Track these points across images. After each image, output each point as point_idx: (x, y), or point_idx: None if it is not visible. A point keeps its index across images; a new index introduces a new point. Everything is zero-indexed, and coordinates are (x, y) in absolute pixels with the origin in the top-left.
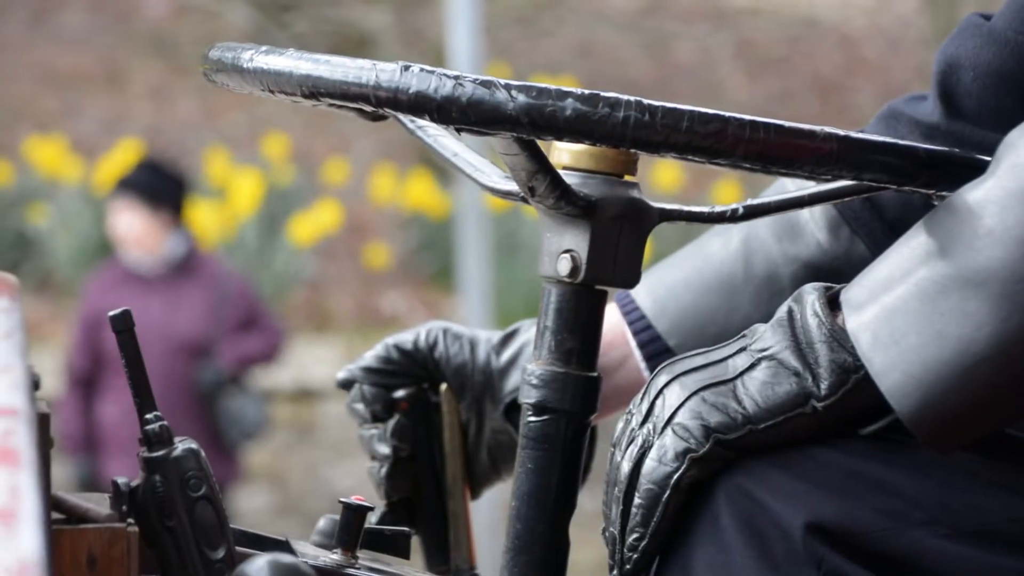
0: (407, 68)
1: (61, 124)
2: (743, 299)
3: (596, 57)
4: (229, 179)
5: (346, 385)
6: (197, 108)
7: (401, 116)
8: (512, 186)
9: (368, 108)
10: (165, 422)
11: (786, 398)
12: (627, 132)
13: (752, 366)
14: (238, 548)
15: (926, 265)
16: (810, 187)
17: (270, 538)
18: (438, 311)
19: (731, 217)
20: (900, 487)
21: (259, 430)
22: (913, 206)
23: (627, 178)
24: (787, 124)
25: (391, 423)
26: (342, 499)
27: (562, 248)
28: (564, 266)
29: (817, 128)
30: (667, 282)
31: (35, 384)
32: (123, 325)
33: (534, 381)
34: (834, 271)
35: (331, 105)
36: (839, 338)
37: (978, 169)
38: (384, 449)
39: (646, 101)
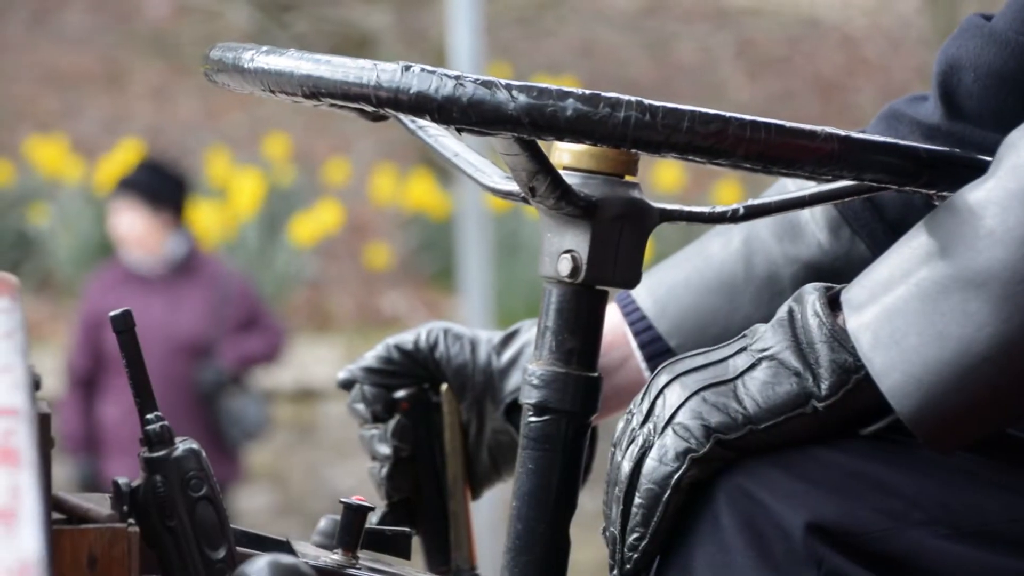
0: (408, 68)
1: (62, 124)
2: (744, 299)
3: (597, 57)
4: (230, 179)
5: (347, 385)
6: (198, 108)
7: (402, 116)
8: (513, 186)
9: (369, 108)
10: (166, 422)
11: (787, 398)
12: (628, 132)
13: (753, 366)
14: (239, 548)
15: (927, 265)
16: (811, 187)
17: (271, 538)
18: (439, 311)
19: (732, 217)
20: (900, 487)
21: (260, 430)
22: (914, 206)
23: (628, 178)
24: (788, 124)
25: (392, 423)
26: (343, 499)
27: (563, 248)
28: (565, 266)
29: (818, 128)
30: (668, 282)
31: (36, 384)
32: (124, 325)
33: (535, 381)
34: (835, 271)
35: (332, 105)
36: (840, 338)
37: (979, 170)
38: (385, 449)
39: (647, 101)
